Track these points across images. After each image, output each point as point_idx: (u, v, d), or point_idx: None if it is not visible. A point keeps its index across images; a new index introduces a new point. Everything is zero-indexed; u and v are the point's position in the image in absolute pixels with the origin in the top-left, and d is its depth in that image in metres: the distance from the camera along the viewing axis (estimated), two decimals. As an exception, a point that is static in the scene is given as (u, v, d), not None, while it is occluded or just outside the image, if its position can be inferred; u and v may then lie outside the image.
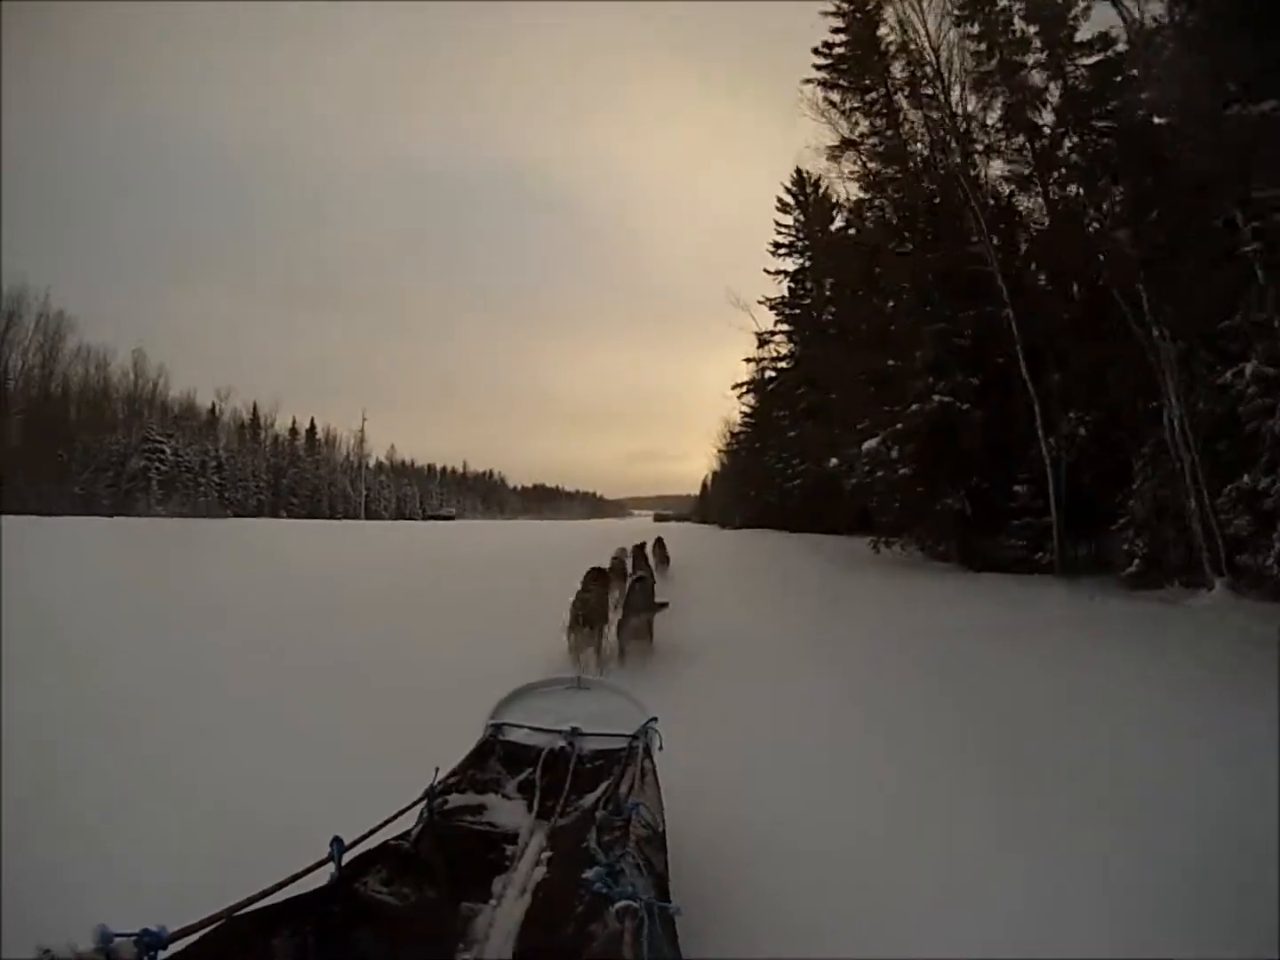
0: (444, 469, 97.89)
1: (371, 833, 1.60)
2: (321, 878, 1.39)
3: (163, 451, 59.52)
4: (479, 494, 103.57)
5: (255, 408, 70.69)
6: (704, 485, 79.77)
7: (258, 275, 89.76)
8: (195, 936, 1.07)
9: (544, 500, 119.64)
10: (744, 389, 29.99)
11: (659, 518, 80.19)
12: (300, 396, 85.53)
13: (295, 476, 71.08)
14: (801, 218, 24.63)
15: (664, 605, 6.67)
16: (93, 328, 54.26)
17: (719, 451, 51.94)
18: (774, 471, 25.84)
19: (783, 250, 25.61)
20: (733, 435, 42.39)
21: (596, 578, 6.89)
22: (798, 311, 25.17)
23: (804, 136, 15.36)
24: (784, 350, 26.69)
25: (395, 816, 1.72)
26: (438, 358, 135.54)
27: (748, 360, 28.51)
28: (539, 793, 1.98)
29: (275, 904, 1.25)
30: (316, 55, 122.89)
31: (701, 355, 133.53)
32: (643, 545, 12.88)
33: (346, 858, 1.44)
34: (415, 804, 1.83)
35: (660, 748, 2.40)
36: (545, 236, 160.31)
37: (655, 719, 2.44)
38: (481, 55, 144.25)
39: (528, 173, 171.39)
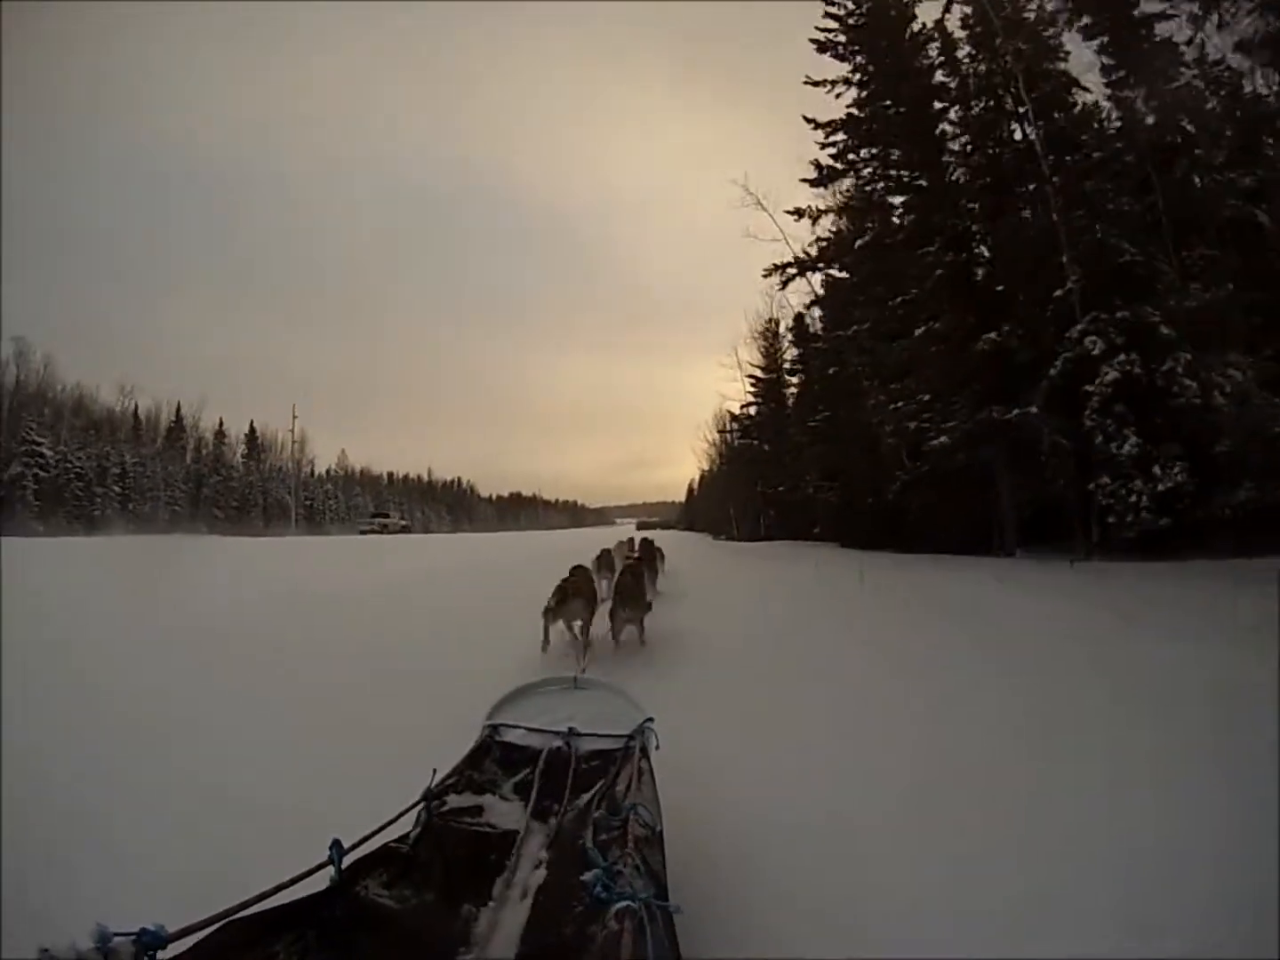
0: (405, 476, 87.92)
1: (371, 835, 1.58)
2: (321, 881, 1.38)
3: (42, 455, 49.64)
4: (445, 503, 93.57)
5: (179, 408, 60.36)
6: (690, 490, 73.71)
7: (227, 279, 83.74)
8: (195, 938, 1.07)
9: (520, 509, 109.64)
10: (790, 273, 16.89)
11: (642, 525, 74.26)
12: (249, 402, 75.91)
13: (218, 485, 60.79)
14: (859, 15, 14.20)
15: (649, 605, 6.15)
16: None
17: (720, 433, 42.28)
18: (856, 434, 14.31)
19: (839, 42, 14.77)
20: (733, 417, 32.08)
21: (579, 571, 6.45)
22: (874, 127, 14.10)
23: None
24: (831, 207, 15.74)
25: (395, 819, 1.70)
26: (412, 365, 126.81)
27: (798, 215, 16.26)
28: (536, 794, 1.97)
29: (275, 907, 1.24)
30: (301, 60, 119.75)
31: (687, 361, 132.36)
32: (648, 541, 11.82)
33: (346, 860, 1.43)
34: (414, 806, 1.80)
35: (657, 747, 2.33)
36: (526, 243, 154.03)
37: (652, 719, 2.39)
38: (465, 62, 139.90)
39: (509, 179, 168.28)
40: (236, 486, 62.68)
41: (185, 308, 74.64)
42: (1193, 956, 1.93)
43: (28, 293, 46.22)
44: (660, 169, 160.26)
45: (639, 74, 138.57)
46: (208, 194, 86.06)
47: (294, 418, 59.67)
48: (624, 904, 1.14)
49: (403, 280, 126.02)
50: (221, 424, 62.06)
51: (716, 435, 45.47)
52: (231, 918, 1.12)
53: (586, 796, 1.91)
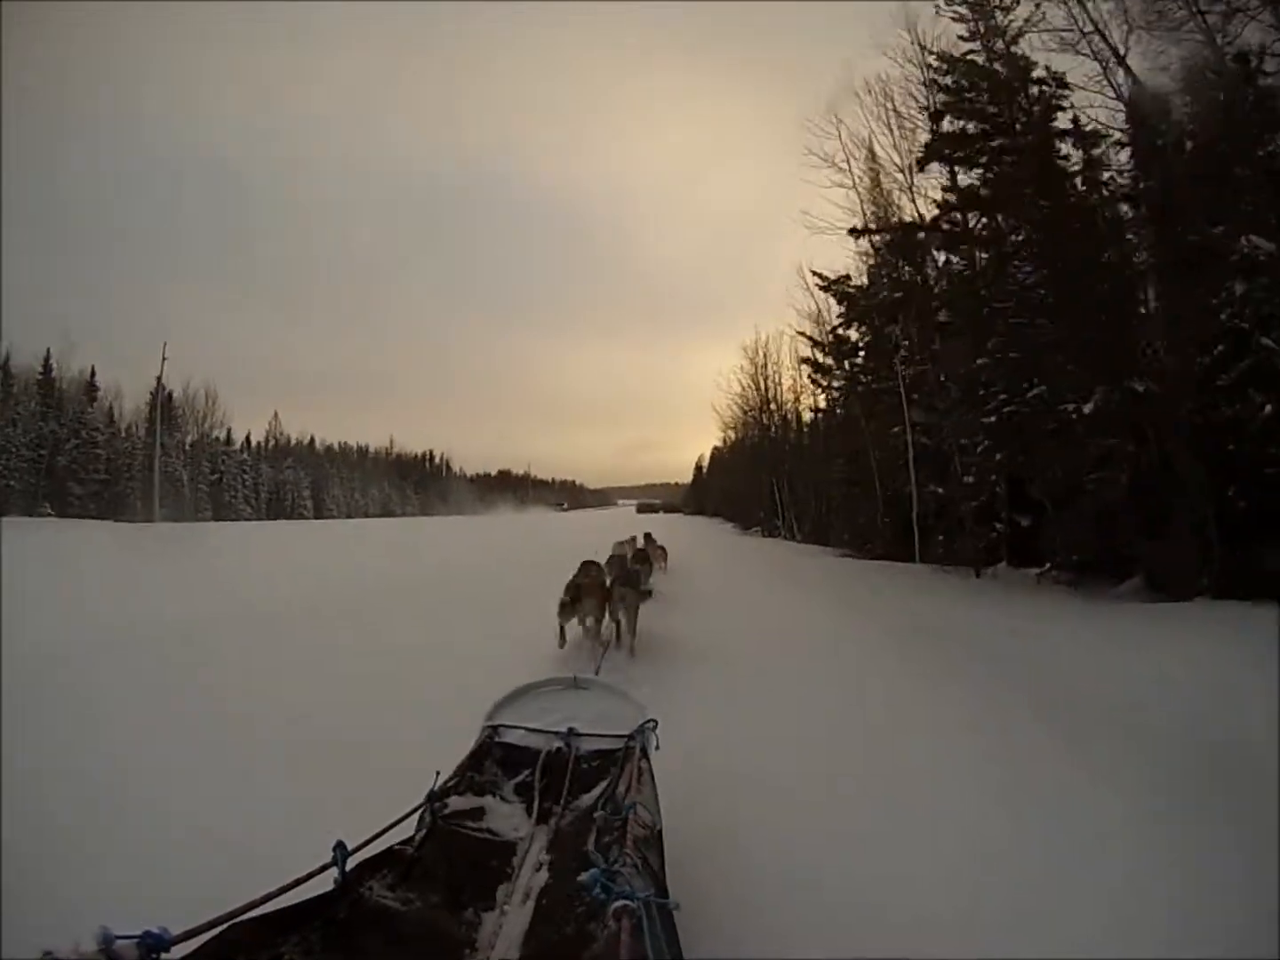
0: (364, 449, 71.34)
1: (375, 838, 1.56)
2: (325, 882, 1.36)
3: None
4: (411, 482, 76.52)
5: (48, 355, 45.61)
6: (698, 470, 67.75)
7: (237, 274, 79.03)
8: (199, 940, 1.06)
9: (510, 489, 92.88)
10: None
11: (643, 508, 62.34)
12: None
13: (80, 452, 44.20)
14: None
15: (649, 593, 6.80)
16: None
17: (755, 375, 25.11)
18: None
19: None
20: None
21: (590, 569, 6.88)
22: None
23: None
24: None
25: (398, 821, 1.69)
26: (423, 351, 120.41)
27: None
28: (538, 795, 1.95)
29: (280, 908, 1.22)
30: (312, 56, 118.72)
31: (694, 348, 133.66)
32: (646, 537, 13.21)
33: (350, 863, 1.41)
34: (417, 809, 1.80)
35: (657, 747, 2.30)
36: (536, 233, 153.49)
37: (654, 720, 2.34)
38: (476, 55, 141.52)
39: (520, 169, 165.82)
40: (104, 454, 46.00)
41: (187, 295, 68.91)
42: (1193, 956, 1.94)
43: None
44: (669, 158, 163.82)
45: (649, 66, 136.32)
46: (214, 185, 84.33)
47: (163, 359, 42.91)
48: (621, 903, 1.14)
49: (409, 268, 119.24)
50: (94, 374, 45.55)
51: (749, 380, 28.45)
52: (235, 919, 1.11)
53: (587, 798, 1.90)
